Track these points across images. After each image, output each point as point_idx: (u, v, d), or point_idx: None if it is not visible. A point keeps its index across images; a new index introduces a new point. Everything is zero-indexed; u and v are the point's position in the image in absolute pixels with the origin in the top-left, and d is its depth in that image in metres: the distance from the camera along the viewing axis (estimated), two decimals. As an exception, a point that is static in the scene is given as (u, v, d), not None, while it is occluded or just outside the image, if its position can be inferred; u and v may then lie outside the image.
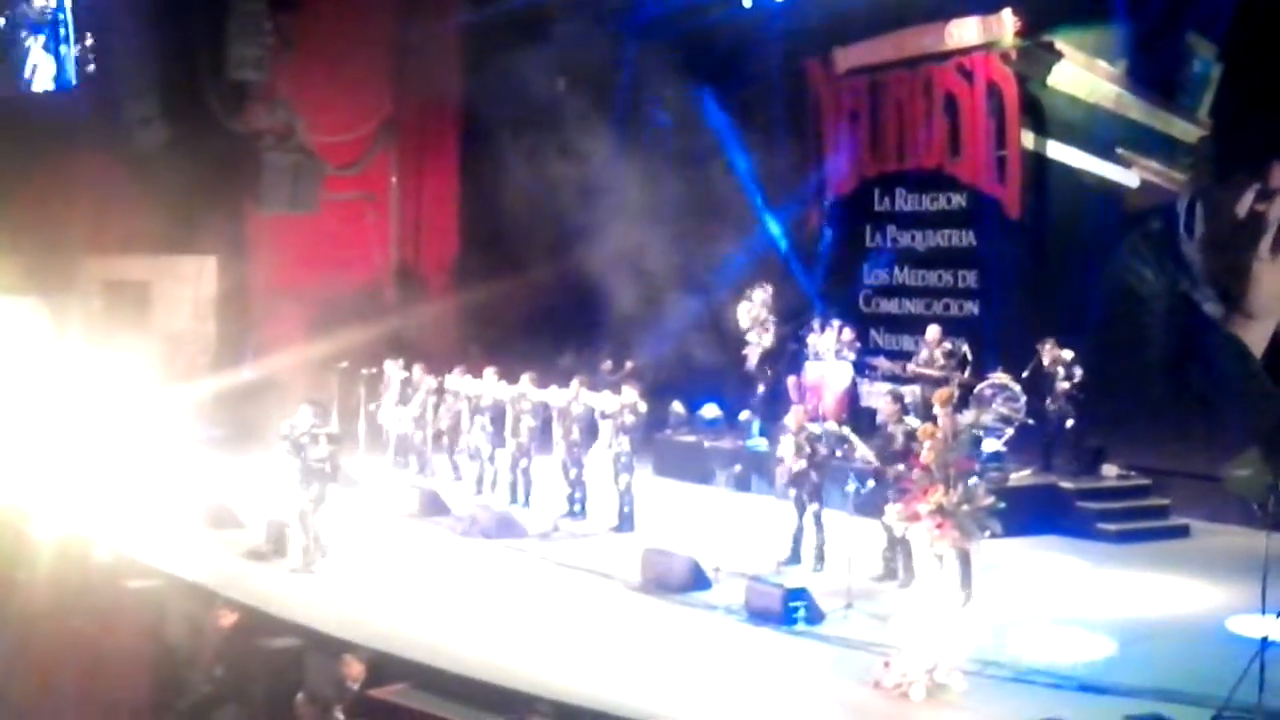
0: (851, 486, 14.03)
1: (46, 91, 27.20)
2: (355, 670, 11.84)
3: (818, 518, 14.94)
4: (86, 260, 25.41)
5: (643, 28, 24.09)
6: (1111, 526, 16.68)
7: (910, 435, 14.24)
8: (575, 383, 17.99)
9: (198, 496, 17.70)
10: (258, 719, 12.31)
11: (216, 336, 24.90)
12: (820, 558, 14.90)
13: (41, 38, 27.11)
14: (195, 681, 12.96)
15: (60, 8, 26.42)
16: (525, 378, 18.58)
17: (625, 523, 17.14)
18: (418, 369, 20.64)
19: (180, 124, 24.19)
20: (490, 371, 19.31)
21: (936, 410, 14.09)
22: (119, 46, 24.82)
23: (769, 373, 20.23)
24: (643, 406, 17.35)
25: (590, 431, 17.63)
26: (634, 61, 24.63)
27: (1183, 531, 16.97)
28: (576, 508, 17.77)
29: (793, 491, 15.09)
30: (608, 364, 21.50)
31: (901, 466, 13.87)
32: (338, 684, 11.89)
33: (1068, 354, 17.55)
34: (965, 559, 13.38)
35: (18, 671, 13.39)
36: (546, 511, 17.77)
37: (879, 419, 15.43)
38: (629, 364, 21.34)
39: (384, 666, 11.98)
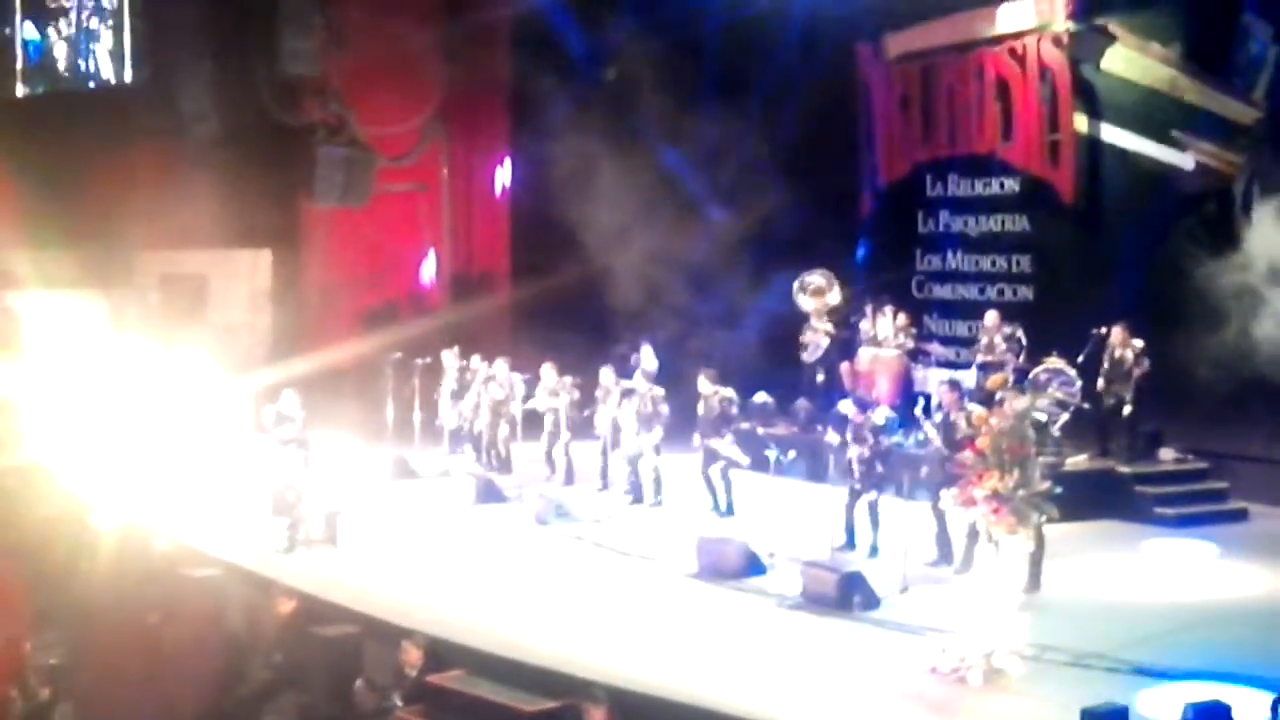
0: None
1: (103, 87, 27.46)
2: (413, 656, 11.96)
3: (874, 506, 14.93)
4: (144, 255, 25.67)
5: (690, 15, 24.03)
6: (1169, 510, 16.58)
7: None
8: (637, 373, 18.10)
9: (256, 485, 17.86)
10: (317, 706, 12.44)
11: (272, 329, 25.09)
12: (875, 547, 14.88)
13: (103, 33, 27.38)
14: (255, 669, 13.14)
15: (117, 4, 26.66)
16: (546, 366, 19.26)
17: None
18: (474, 359, 20.71)
19: (234, 119, 24.37)
20: (549, 366, 19.48)
21: (1001, 395, 14.08)
22: (173, 43, 25.03)
23: (820, 359, 20.18)
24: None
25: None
26: (681, 49, 24.60)
27: (1241, 515, 16.85)
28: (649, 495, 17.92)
29: (850, 478, 15.08)
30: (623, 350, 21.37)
31: (967, 453, 13.79)
32: (396, 670, 12.02)
33: (1139, 342, 17.43)
34: (1038, 547, 13.34)
35: (81, 660, 13.58)
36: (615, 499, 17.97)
37: (937, 405, 15.30)
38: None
39: (442, 653, 12.09)
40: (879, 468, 14.87)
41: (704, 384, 17.17)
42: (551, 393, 19.30)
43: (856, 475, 14.94)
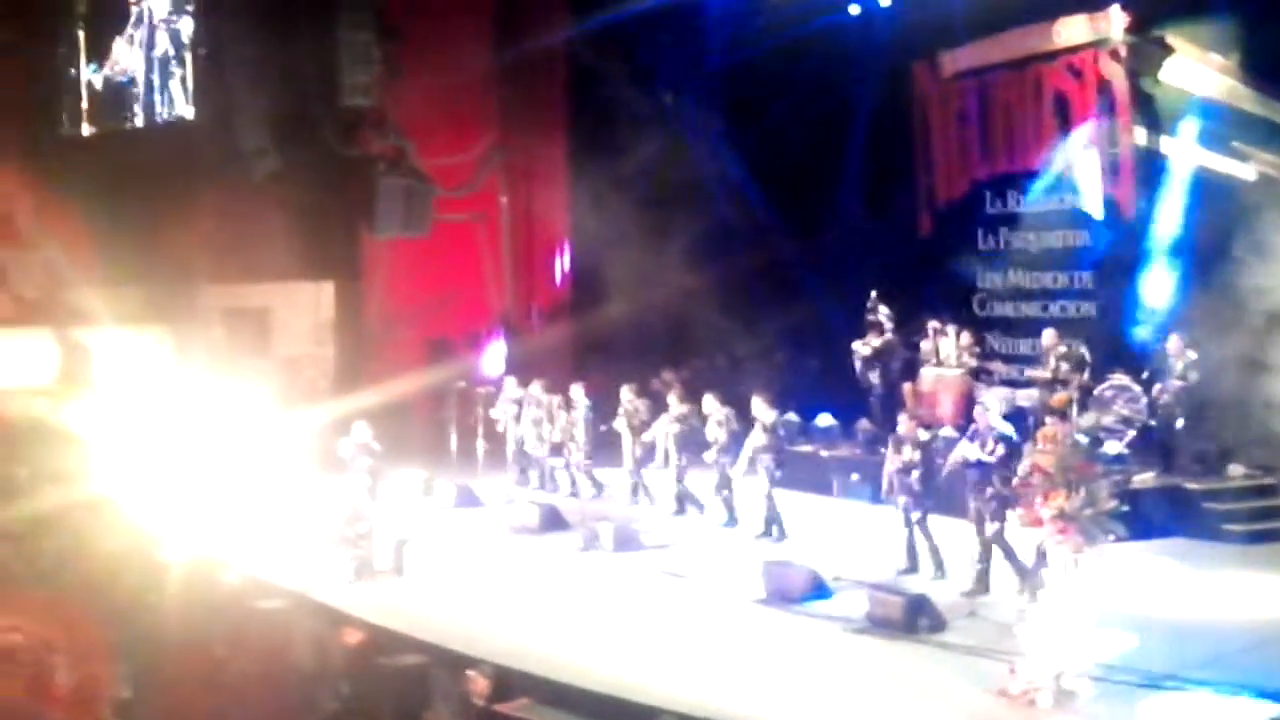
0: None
1: (167, 124, 27.82)
2: (480, 686, 11.98)
3: (923, 525, 14.87)
4: (208, 289, 25.94)
5: (745, 38, 24.08)
6: (1238, 527, 16.37)
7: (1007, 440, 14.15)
8: (708, 396, 18.08)
9: (322, 517, 17.97)
10: (385, 736, 12.48)
11: (335, 360, 25.27)
12: (939, 565, 14.78)
13: (169, 71, 27.74)
14: (322, 700, 13.16)
15: (180, 43, 27.00)
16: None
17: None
18: (536, 385, 20.76)
19: (295, 153, 24.60)
20: (628, 388, 19.56)
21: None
22: (234, 79, 25.30)
23: (882, 380, 20.12)
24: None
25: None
26: (737, 72, 24.65)
27: (1313, 531, 16.62)
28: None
29: (901, 499, 15.02)
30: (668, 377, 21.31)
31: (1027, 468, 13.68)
32: (463, 700, 12.04)
33: (1192, 354, 17.29)
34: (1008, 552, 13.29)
35: (150, 693, 13.68)
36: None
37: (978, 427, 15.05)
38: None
39: (509, 682, 12.10)
40: (930, 487, 14.79)
41: (759, 407, 17.13)
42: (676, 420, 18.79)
43: (908, 495, 14.89)
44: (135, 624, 14.48)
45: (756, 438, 16.96)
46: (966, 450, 14.43)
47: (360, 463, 16.12)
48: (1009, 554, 14.04)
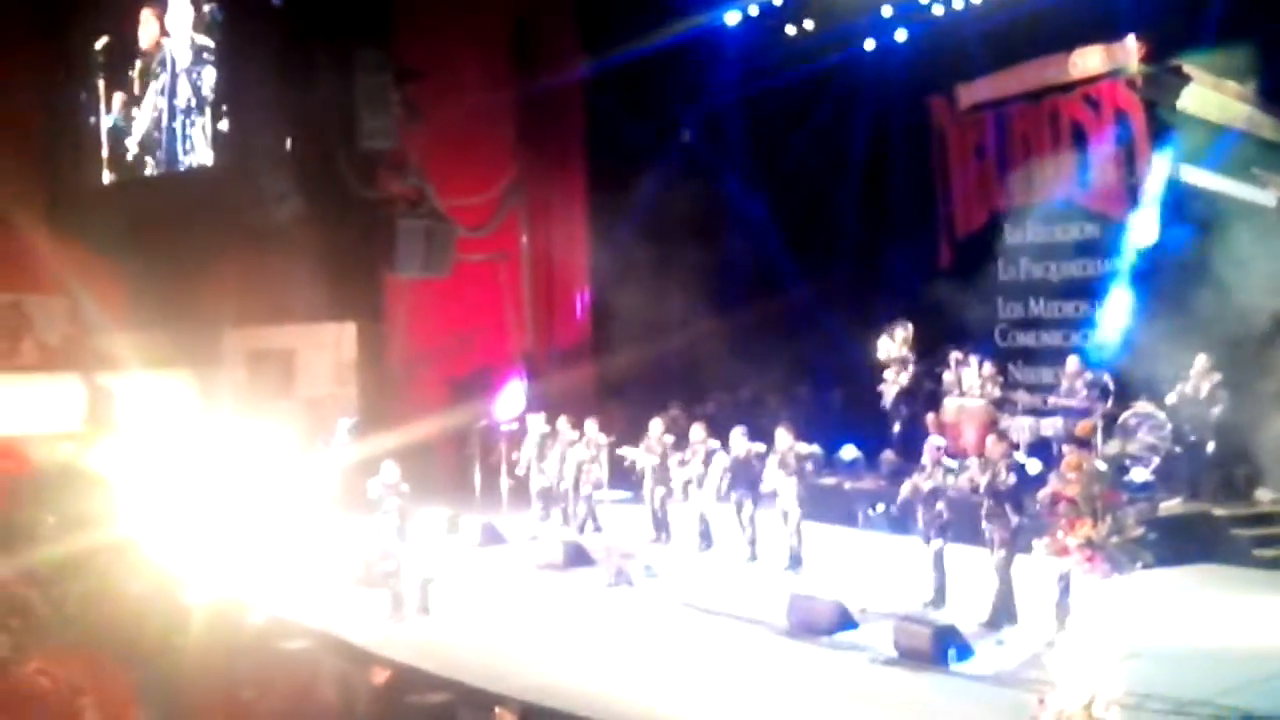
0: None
1: (188, 170, 28.00)
2: (507, 723, 11.96)
3: (939, 556, 14.83)
4: (231, 332, 26.04)
5: (762, 74, 24.17)
6: (1267, 553, 16.29)
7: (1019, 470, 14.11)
8: (735, 430, 18.08)
9: (347, 557, 17.99)
10: (413, 774, 12.46)
11: (358, 400, 25.33)
12: (940, 595, 14.77)
13: (193, 118, 27.94)
14: (350, 740, 13.17)
15: (200, 92, 27.19)
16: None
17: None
18: (561, 421, 20.78)
19: (315, 196, 24.72)
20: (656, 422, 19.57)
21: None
22: (254, 126, 25.47)
23: (905, 411, 20.12)
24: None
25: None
26: (754, 108, 24.73)
27: (1343, 556, 16.52)
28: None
29: (924, 528, 15.00)
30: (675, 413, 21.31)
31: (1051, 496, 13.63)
32: (490, 737, 12.02)
33: (1216, 375, 17.27)
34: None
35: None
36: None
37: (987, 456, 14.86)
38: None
39: (535, 718, 12.06)
40: (943, 515, 14.77)
41: (783, 439, 17.13)
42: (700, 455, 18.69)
43: (930, 525, 14.88)
44: (161, 666, 14.49)
45: (781, 469, 16.96)
46: (977, 478, 14.38)
47: (389, 503, 16.16)
48: (1006, 587, 13.97)
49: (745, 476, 17.63)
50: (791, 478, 16.93)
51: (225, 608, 15.40)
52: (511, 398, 22.08)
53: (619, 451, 19.86)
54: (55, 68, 28.51)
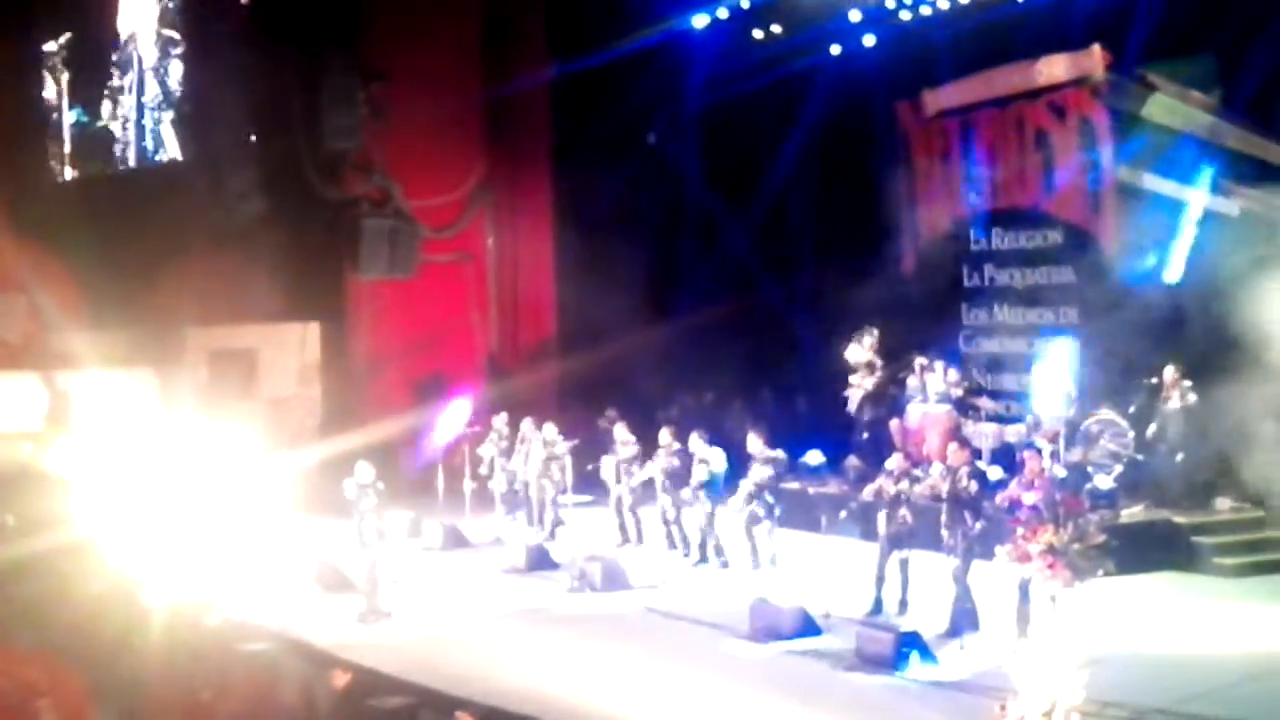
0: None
1: (150, 167, 27.86)
2: (468, 727, 11.90)
3: (904, 564, 14.85)
4: (193, 331, 25.89)
5: (729, 79, 24.15)
6: (1228, 560, 16.37)
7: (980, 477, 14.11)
8: (694, 435, 18.15)
9: (307, 559, 17.90)
10: (373, 778, 12.39)
11: (322, 401, 25.23)
12: (904, 603, 14.80)
13: (161, 114, 27.80)
14: (310, 743, 13.08)
15: (164, 86, 27.07)
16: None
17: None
18: (526, 423, 20.72)
19: (279, 195, 24.63)
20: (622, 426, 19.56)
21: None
22: (218, 124, 25.36)
23: (870, 416, 20.12)
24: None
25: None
26: (719, 113, 24.71)
27: (1301, 564, 16.61)
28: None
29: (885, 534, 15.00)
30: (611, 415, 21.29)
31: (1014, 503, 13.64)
32: (451, 741, 11.95)
33: (1186, 384, 17.36)
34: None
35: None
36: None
37: (948, 463, 14.81)
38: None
39: (496, 722, 12.03)
40: (908, 522, 14.78)
41: (754, 444, 17.12)
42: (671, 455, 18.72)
43: (890, 532, 14.90)
44: (120, 667, 14.38)
45: (754, 474, 16.96)
46: (939, 484, 14.39)
47: (366, 502, 16.08)
48: (966, 593, 13.98)
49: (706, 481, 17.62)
50: (764, 484, 16.92)
51: (184, 609, 15.30)
52: (453, 416, 21.83)
53: (589, 467, 19.84)
54: (15, 64, 28.32)
